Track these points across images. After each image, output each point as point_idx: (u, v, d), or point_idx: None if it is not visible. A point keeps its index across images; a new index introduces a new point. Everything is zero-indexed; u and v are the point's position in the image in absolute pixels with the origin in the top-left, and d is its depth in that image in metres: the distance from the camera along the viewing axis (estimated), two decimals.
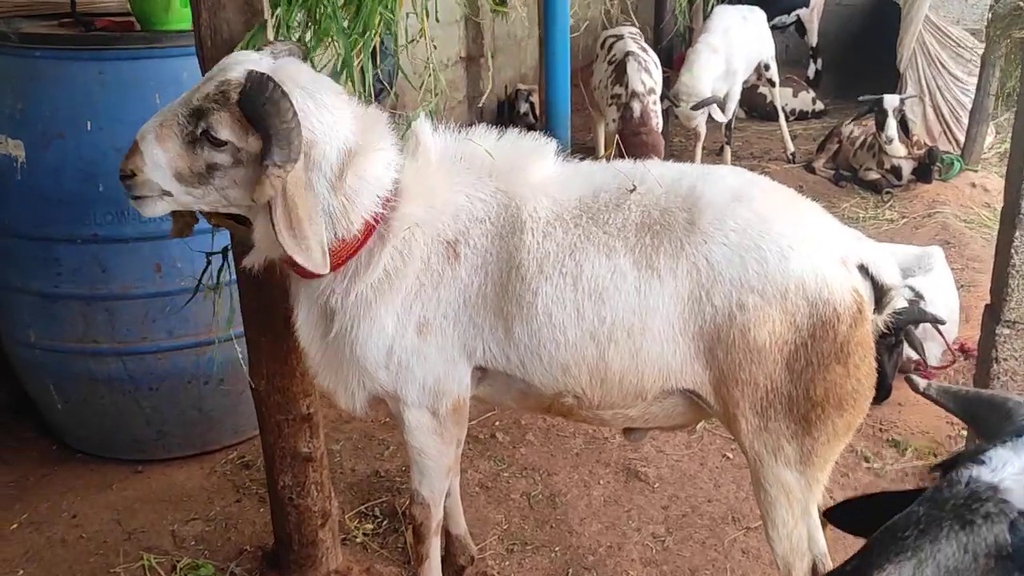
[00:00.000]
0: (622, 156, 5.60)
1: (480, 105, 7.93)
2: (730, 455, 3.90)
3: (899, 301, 2.32)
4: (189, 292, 3.39)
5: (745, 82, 8.25)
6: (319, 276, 2.26)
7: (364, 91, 2.47)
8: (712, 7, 7.97)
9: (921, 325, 4.27)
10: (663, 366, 2.30)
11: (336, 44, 2.32)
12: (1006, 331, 3.24)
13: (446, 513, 2.95)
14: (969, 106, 8.22)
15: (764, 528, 2.41)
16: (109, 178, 3.27)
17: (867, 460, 3.82)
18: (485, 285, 2.35)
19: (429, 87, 2.53)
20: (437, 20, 2.65)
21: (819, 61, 10.90)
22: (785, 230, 2.23)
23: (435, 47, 2.49)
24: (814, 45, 10.73)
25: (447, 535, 3.08)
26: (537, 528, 3.40)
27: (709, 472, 3.78)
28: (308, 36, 2.38)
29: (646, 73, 5.91)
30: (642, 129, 5.64)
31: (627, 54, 6.05)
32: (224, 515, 3.50)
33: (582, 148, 8.30)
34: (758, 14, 8.44)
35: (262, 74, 2.04)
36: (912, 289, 4.35)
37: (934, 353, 4.55)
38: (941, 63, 8.52)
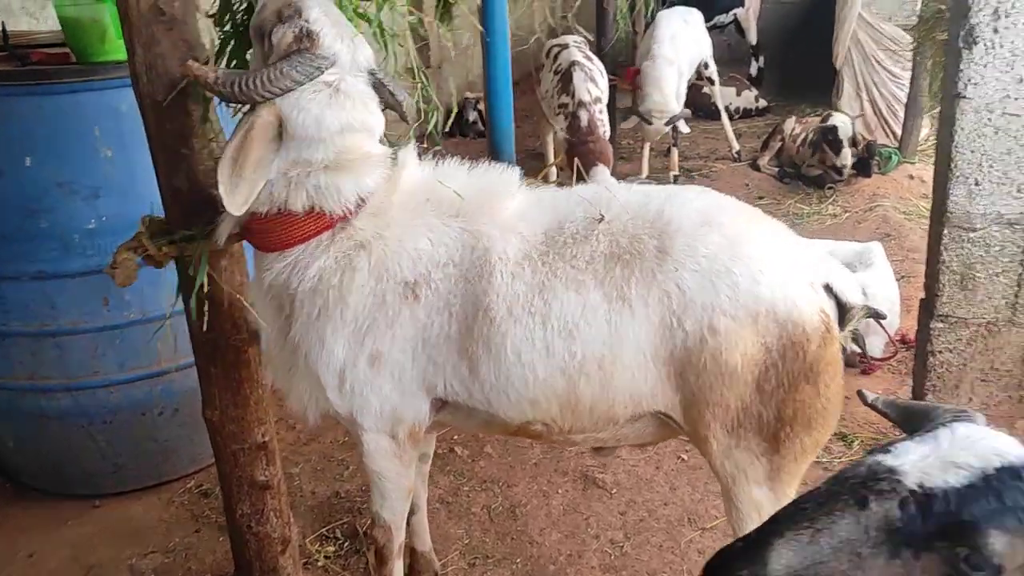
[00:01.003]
0: (571, 164, 5.71)
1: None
2: (684, 457, 3.99)
3: (860, 319, 2.36)
4: (138, 324, 3.42)
5: (688, 82, 8.42)
6: (271, 251, 2.34)
7: None
8: (652, 12, 8.09)
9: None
10: (634, 392, 2.31)
11: None
12: (939, 325, 3.37)
13: (412, 530, 2.97)
14: (903, 100, 8.47)
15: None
16: (52, 214, 3.28)
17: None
18: (448, 326, 2.33)
19: (420, 110, 2.55)
20: (383, 32, 2.65)
21: (760, 59, 11.11)
22: (755, 253, 2.25)
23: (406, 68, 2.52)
24: (754, 44, 10.94)
25: (412, 552, 3.11)
26: (498, 541, 3.44)
27: (665, 475, 3.86)
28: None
29: (592, 83, 5.99)
30: (589, 138, 5.72)
31: (572, 63, 6.13)
32: (183, 546, 3.49)
33: (533, 155, 8.39)
34: (696, 15, 8.62)
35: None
36: None
37: (877, 346, 4.68)
38: (876, 59, 8.74)
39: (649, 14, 7.86)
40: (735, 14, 10.45)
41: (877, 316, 4.27)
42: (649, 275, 2.26)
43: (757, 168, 8.65)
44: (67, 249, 3.31)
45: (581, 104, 5.83)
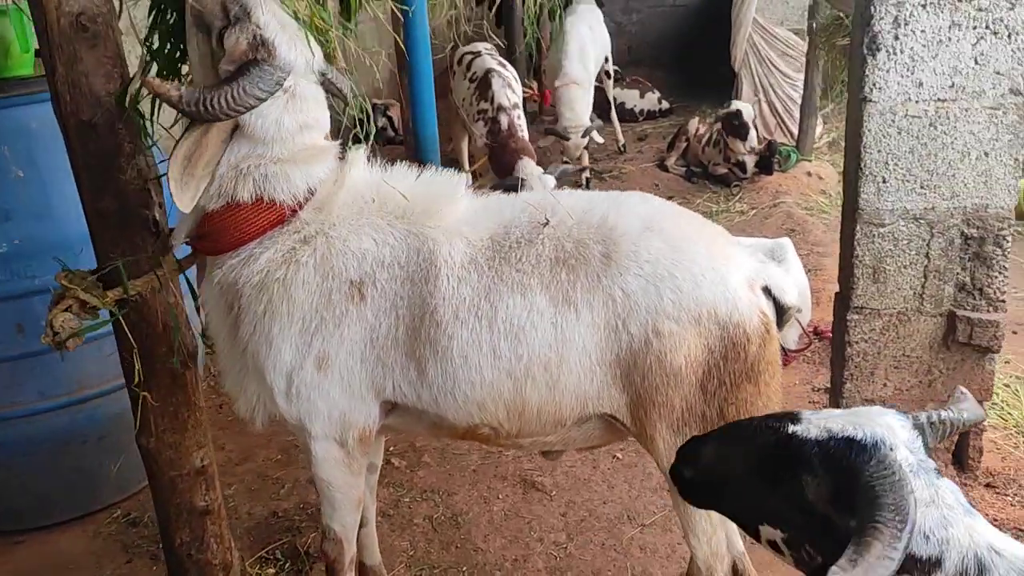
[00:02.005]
0: (494, 167, 5.78)
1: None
2: (620, 456, 4.07)
3: (797, 320, 2.48)
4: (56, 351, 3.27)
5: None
6: (226, 251, 2.33)
7: None
8: (558, 13, 8.23)
9: None
10: (580, 395, 2.35)
11: None
12: (855, 316, 3.54)
13: (360, 543, 2.94)
14: (798, 100, 8.84)
15: (685, 536, 2.52)
16: None
17: None
18: (396, 328, 2.35)
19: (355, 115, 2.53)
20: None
21: None
22: (696, 258, 2.32)
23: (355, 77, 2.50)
24: None
25: (361, 566, 3.08)
26: (443, 550, 3.45)
27: (602, 475, 3.93)
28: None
29: (510, 89, 6.12)
30: (511, 140, 5.82)
31: (488, 71, 6.21)
32: None
33: (447, 160, 8.37)
34: (597, 14, 8.88)
35: None
36: None
37: (791, 337, 4.88)
38: (771, 62, 9.12)
39: (556, 18, 7.99)
40: None
41: (796, 310, 4.47)
42: (594, 279, 2.31)
43: (665, 168, 8.89)
44: None
45: (501, 109, 5.94)
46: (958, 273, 3.40)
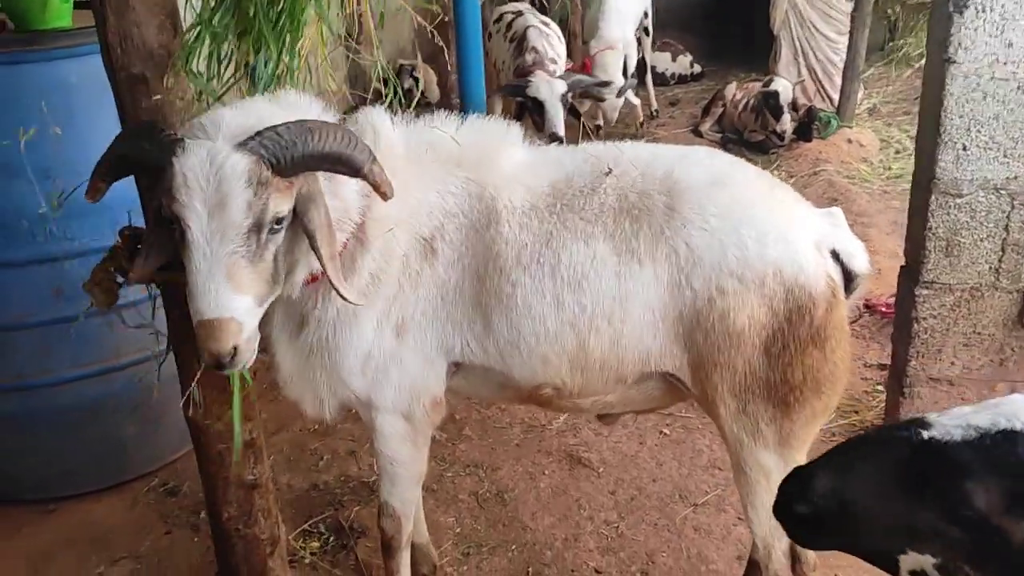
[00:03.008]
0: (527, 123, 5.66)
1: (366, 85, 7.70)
2: (667, 431, 3.95)
3: (866, 287, 2.35)
4: (95, 316, 3.16)
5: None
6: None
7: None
8: None
9: None
10: (643, 350, 2.28)
11: (269, 46, 2.12)
12: (924, 291, 3.37)
13: None
14: (839, 64, 8.57)
15: (744, 510, 2.42)
16: None
17: None
18: (463, 280, 2.29)
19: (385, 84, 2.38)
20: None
21: None
22: (763, 215, 2.23)
23: (380, 42, 2.33)
24: None
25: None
26: (490, 528, 3.34)
27: (649, 451, 3.81)
28: (234, 43, 2.17)
29: (547, 41, 5.93)
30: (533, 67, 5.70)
31: (528, 27, 6.04)
32: (155, 551, 3.27)
33: None
34: None
35: (254, 138, 1.86)
36: None
37: None
38: (813, 24, 8.81)
39: None
40: None
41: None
42: (658, 231, 2.24)
43: (699, 134, 8.66)
44: (13, 236, 3.03)
45: (535, 53, 5.74)
46: None
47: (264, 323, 2.13)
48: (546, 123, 5.51)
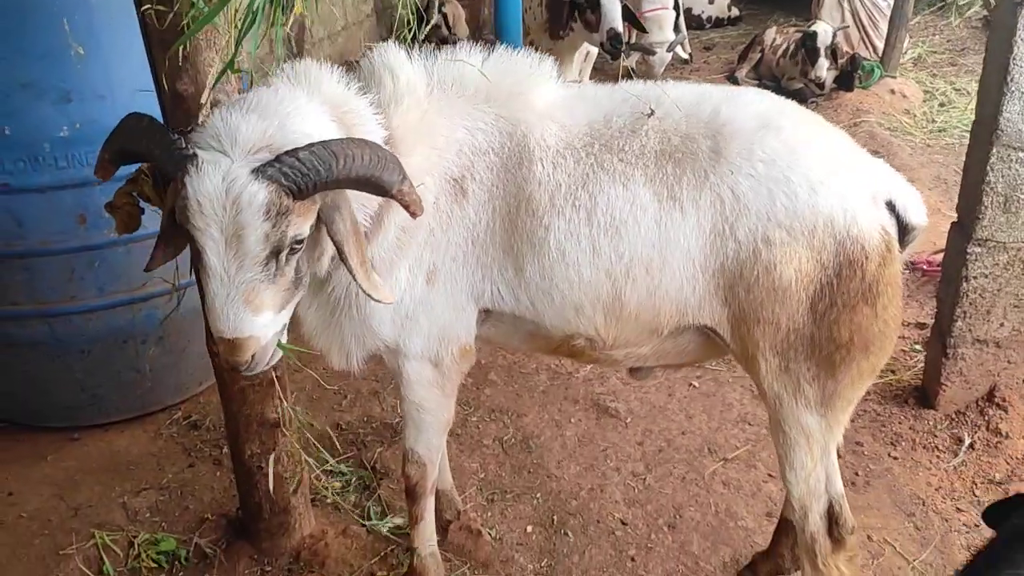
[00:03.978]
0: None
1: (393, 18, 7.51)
2: (696, 384, 3.86)
3: (920, 241, 2.21)
4: (121, 244, 3.09)
5: None
6: None
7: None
8: None
9: None
10: (680, 302, 2.16)
11: None
12: (978, 249, 3.23)
13: None
14: (886, 11, 8.25)
15: (780, 469, 2.34)
16: (16, 119, 2.90)
17: None
18: (493, 222, 2.18)
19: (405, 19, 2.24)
20: None
21: None
22: (815, 163, 2.07)
23: None
24: None
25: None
26: (515, 475, 3.29)
27: (678, 403, 3.73)
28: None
29: None
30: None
31: None
32: (178, 482, 3.25)
33: None
34: None
35: (273, 164, 1.74)
36: None
37: None
38: None
39: None
40: None
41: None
42: (702, 176, 2.10)
43: (735, 81, 8.40)
44: (35, 160, 2.94)
45: None
46: None
47: None
48: (603, 20, 5.22)
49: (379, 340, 2.25)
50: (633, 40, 7.36)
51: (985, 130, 3.11)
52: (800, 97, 7.82)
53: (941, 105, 7.78)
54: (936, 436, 3.44)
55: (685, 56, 7.68)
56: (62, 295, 3.15)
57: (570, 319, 2.24)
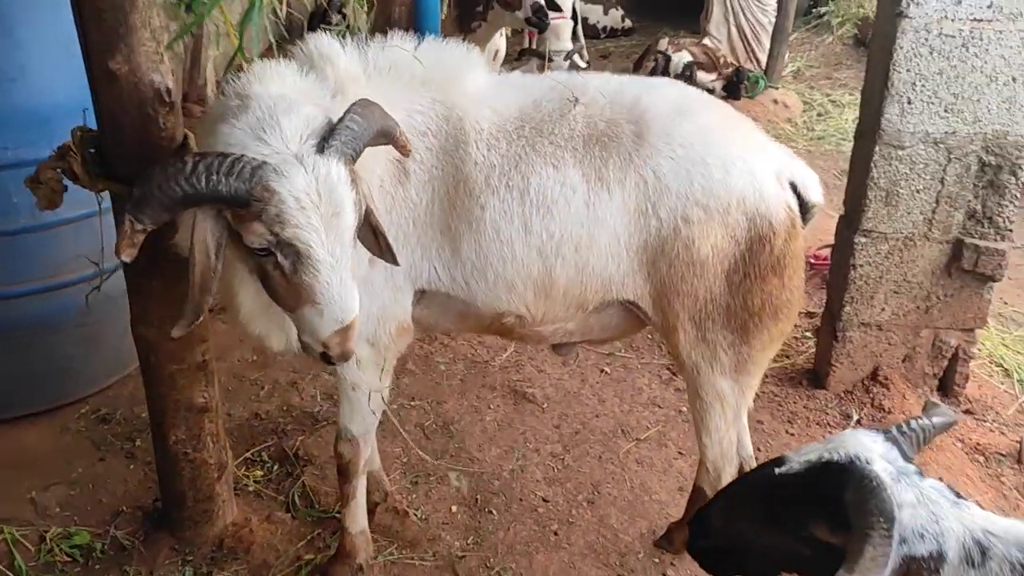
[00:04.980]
0: None
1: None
2: (607, 370, 4.02)
3: (817, 217, 2.43)
4: (33, 231, 3.01)
5: None
6: None
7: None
8: None
9: None
10: (606, 278, 2.30)
11: None
12: (863, 239, 3.51)
13: None
14: (768, 26, 8.74)
15: (696, 434, 2.51)
16: None
17: None
18: (432, 203, 2.26)
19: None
20: None
21: None
22: (727, 146, 2.26)
23: None
24: None
25: None
26: (437, 458, 3.35)
27: (591, 388, 3.88)
28: None
29: None
30: None
31: None
32: (89, 477, 3.16)
33: None
34: None
35: (332, 140, 1.83)
36: None
37: None
38: None
39: None
40: None
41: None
42: (626, 158, 2.25)
43: None
44: None
45: None
46: (970, 200, 3.39)
47: (226, 267, 2.00)
48: None
49: None
50: (532, 47, 7.58)
51: (868, 130, 3.40)
52: None
53: (819, 115, 8.31)
54: (827, 413, 3.72)
55: (583, 65, 7.89)
56: None
57: (502, 296, 2.34)
